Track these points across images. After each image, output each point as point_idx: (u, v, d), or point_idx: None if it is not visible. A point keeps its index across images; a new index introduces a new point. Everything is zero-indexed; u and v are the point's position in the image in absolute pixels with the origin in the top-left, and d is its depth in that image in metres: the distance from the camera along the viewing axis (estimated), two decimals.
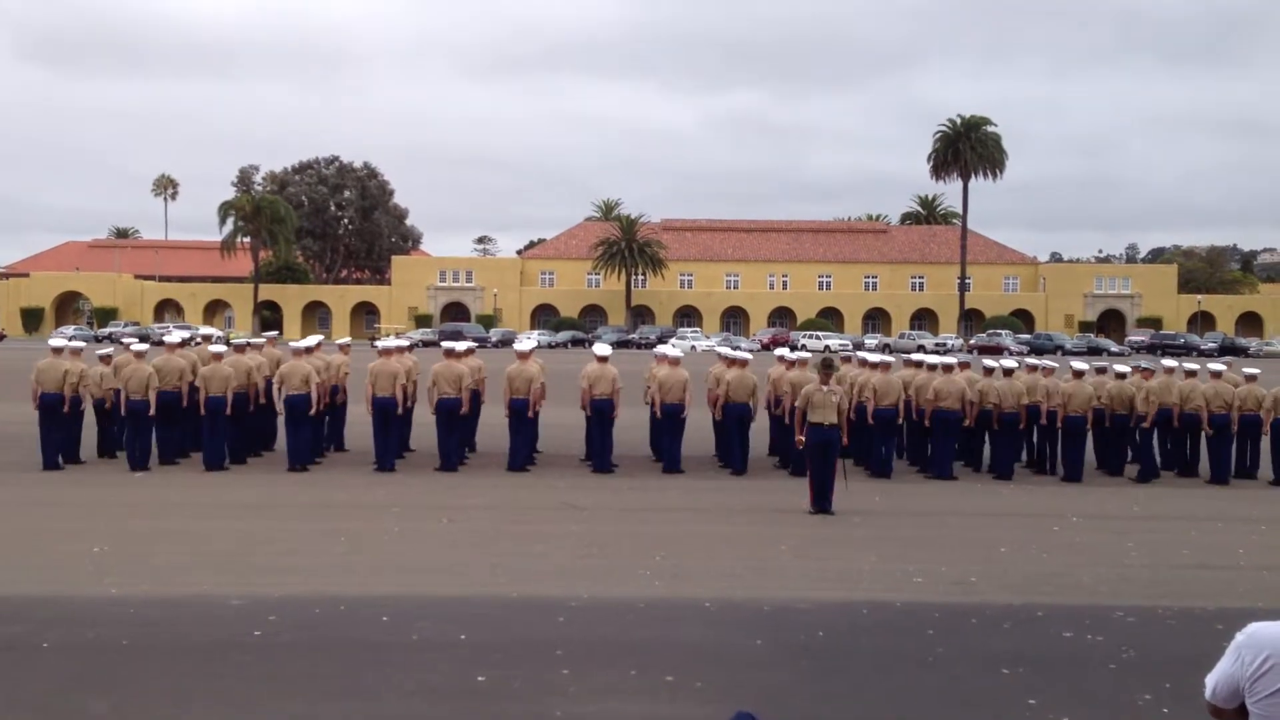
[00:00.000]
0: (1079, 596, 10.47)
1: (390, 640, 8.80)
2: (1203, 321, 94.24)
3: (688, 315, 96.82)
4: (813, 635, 9.06)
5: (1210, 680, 3.50)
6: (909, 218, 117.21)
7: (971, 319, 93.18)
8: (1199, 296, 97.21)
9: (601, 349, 18.88)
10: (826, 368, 14.75)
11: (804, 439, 14.73)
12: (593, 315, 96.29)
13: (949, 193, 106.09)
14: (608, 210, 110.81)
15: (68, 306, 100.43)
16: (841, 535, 13.34)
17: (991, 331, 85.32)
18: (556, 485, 16.76)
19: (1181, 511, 15.51)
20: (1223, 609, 10.04)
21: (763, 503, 15.53)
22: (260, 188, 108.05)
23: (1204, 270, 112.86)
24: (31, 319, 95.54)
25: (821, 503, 14.59)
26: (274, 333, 20.29)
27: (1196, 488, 17.81)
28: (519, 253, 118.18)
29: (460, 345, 18.96)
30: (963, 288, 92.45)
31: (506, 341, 79.99)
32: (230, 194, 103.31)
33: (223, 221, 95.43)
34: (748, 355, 19.13)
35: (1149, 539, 13.41)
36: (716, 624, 9.40)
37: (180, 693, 7.65)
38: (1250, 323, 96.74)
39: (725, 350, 20.26)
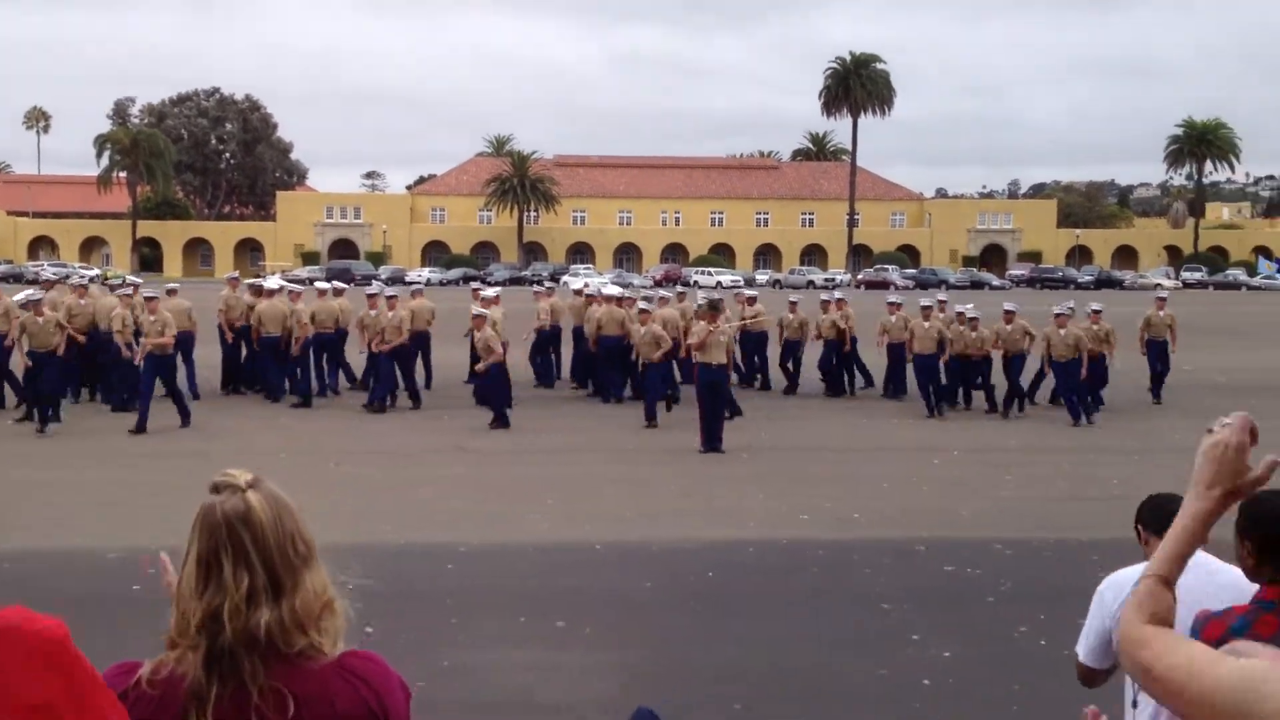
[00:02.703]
0: (959, 530, 10.76)
1: None
2: (1080, 255, 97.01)
3: (580, 252, 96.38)
4: (702, 576, 9.16)
5: (1080, 643, 3.56)
6: (800, 154, 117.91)
7: (860, 254, 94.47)
8: (1077, 231, 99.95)
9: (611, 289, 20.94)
10: (713, 309, 14.86)
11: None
12: (485, 252, 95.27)
13: (839, 130, 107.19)
14: (499, 146, 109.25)
15: None
16: (730, 473, 13.48)
17: (879, 267, 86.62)
18: (450, 428, 16.61)
19: (1058, 444, 15.99)
20: (1095, 540, 10.38)
21: (653, 443, 15.61)
22: (137, 120, 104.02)
23: (1082, 205, 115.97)
24: None
25: (712, 442, 14.73)
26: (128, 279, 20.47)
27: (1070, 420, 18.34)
28: (409, 188, 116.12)
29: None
30: (851, 224, 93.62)
31: (397, 279, 78.84)
32: (106, 127, 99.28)
33: (99, 155, 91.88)
34: (618, 291, 20.75)
35: (1026, 471, 13.82)
36: (607, 567, 9.45)
37: None
38: (1126, 256, 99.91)
39: (595, 287, 22.06)
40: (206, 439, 15.62)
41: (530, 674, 7.14)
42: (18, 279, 73.82)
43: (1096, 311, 19.41)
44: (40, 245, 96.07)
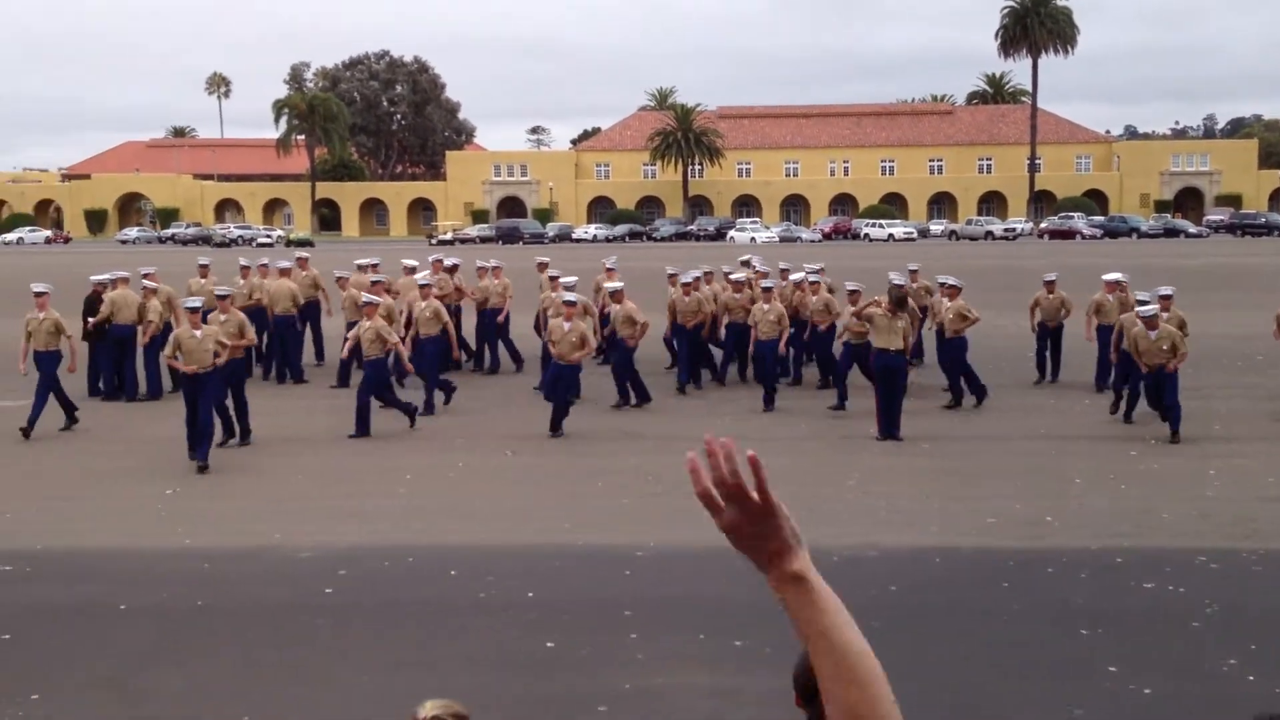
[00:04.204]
0: (1159, 538, 10.17)
1: (459, 600, 8.78)
2: None
3: (746, 205, 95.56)
4: (884, 589, 8.88)
5: None
6: (975, 97, 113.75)
7: (1042, 201, 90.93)
8: None
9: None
10: (898, 304, 14.41)
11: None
12: (650, 207, 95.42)
13: (1017, 70, 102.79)
14: (662, 99, 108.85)
15: (130, 208, 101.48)
16: (909, 466, 13.08)
17: (1063, 214, 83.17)
18: (616, 412, 16.56)
19: (1265, 431, 14.97)
20: None
21: (826, 428, 15.28)
22: (312, 84, 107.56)
23: None
24: (95, 221, 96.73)
25: (889, 429, 14.34)
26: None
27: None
28: (573, 143, 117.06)
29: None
30: (1033, 169, 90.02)
31: (564, 236, 79.66)
32: (283, 91, 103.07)
33: (277, 120, 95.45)
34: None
35: (1230, 464, 12.97)
36: None
37: (253, 664, 7.69)
38: None
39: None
40: (386, 422, 15.97)
41: (713, 700, 7.05)
42: (205, 240, 77.53)
43: None
44: (225, 208, 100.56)
